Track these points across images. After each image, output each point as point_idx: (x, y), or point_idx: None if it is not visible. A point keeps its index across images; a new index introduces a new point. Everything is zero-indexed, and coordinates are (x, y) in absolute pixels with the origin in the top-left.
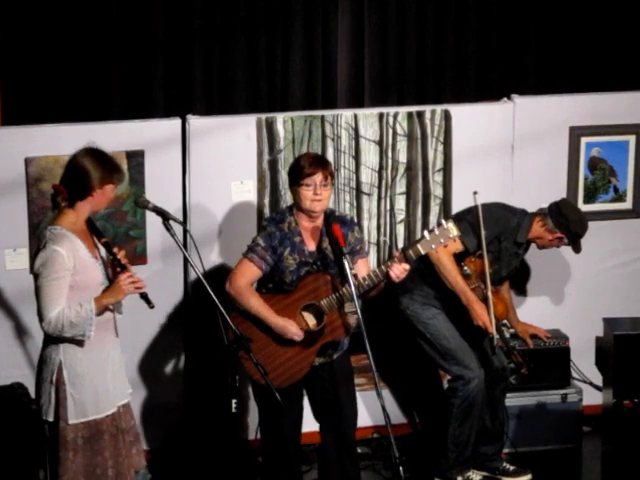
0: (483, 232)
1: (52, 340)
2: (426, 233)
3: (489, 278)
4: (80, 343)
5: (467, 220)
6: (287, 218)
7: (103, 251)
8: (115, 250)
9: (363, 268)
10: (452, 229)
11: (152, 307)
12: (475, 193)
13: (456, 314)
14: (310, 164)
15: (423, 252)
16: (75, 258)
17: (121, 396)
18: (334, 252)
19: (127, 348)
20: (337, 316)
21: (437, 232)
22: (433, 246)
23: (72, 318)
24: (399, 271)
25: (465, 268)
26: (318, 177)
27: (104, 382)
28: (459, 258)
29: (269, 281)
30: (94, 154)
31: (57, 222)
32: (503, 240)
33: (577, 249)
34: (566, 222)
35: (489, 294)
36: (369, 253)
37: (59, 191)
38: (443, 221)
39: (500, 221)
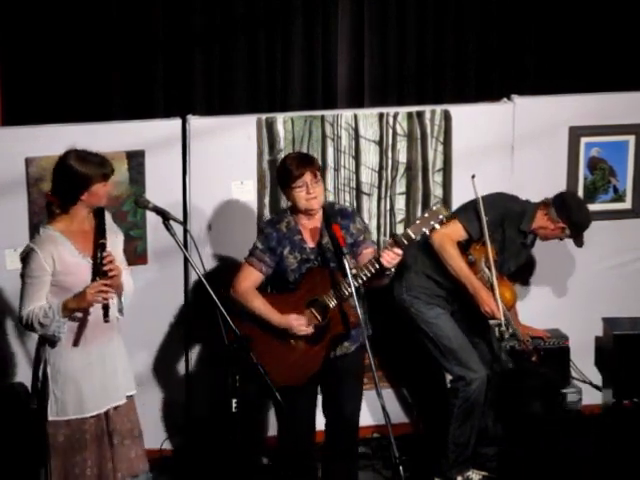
0: (485, 218)
1: (40, 338)
2: (417, 218)
3: (494, 265)
4: (55, 343)
5: (470, 208)
6: (285, 218)
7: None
8: (105, 254)
9: (369, 257)
10: (441, 210)
11: (106, 321)
12: (473, 177)
13: (460, 312)
14: (297, 166)
15: (414, 236)
16: (56, 260)
17: (114, 398)
18: (334, 246)
19: (127, 348)
20: (342, 308)
21: (427, 215)
22: (424, 229)
23: (40, 318)
24: (390, 257)
25: (470, 256)
26: (307, 176)
27: (90, 383)
28: (465, 247)
29: (275, 282)
30: (75, 157)
31: (51, 222)
32: (507, 228)
33: (579, 242)
34: (568, 213)
35: (494, 280)
36: None
37: (52, 201)
38: (432, 204)
39: (502, 207)
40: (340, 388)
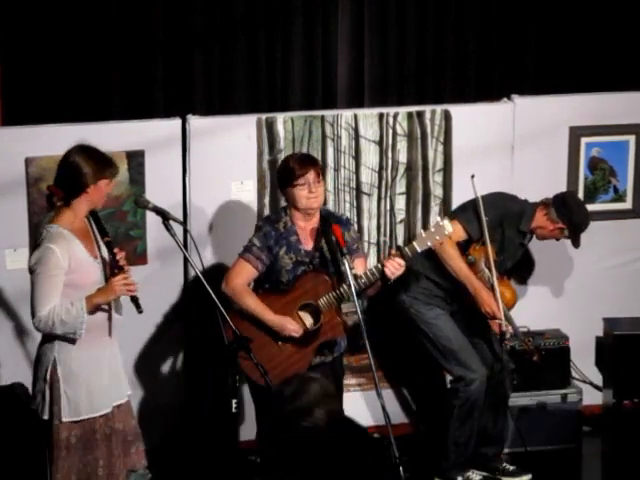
0: (484, 218)
1: (47, 338)
2: (421, 230)
3: (494, 265)
4: (74, 341)
5: (469, 208)
6: (282, 218)
7: (105, 250)
8: (116, 251)
9: (360, 267)
10: (447, 226)
11: (140, 312)
12: (472, 177)
13: (460, 313)
14: (300, 164)
15: (419, 249)
16: (70, 257)
17: (117, 396)
18: (331, 251)
19: (127, 348)
20: (334, 315)
21: (432, 229)
22: (429, 243)
23: (62, 316)
24: (394, 267)
25: (470, 257)
26: (310, 175)
27: (99, 381)
28: (464, 247)
29: (266, 281)
30: (85, 151)
31: (54, 221)
32: (506, 228)
33: (576, 243)
34: (569, 214)
35: (495, 280)
36: (369, 253)
37: (54, 192)
38: (438, 218)
39: (501, 207)
40: None
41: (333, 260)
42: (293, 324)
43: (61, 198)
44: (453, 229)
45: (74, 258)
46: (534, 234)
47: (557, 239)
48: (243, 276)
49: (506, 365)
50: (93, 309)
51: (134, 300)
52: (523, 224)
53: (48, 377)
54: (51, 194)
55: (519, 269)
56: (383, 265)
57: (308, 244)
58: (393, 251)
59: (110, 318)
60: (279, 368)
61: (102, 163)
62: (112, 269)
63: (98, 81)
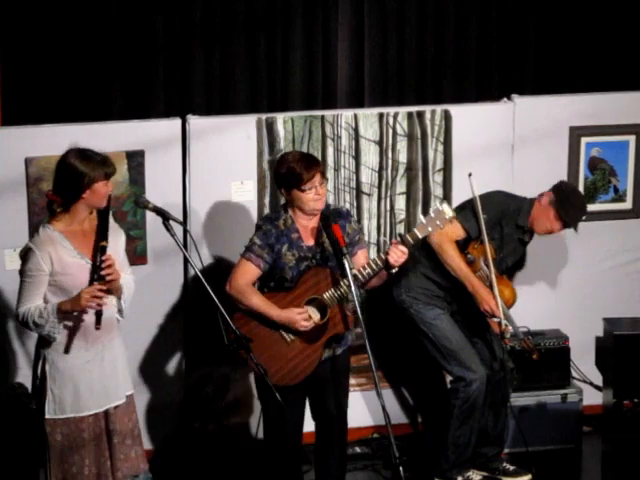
0: (482, 216)
1: (39, 335)
2: (422, 217)
3: (492, 263)
4: (64, 340)
5: (468, 207)
6: (282, 216)
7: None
8: (105, 257)
9: (362, 259)
10: (447, 211)
11: (97, 328)
12: (470, 175)
13: (460, 313)
14: (306, 168)
15: (420, 236)
16: (54, 260)
17: (113, 397)
18: (333, 249)
19: (127, 348)
20: (340, 309)
21: (433, 215)
22: (430, 229)
23: (35, 318)
24: (397, 255)
25: (469, 255)
26: (317, 178)
27: (88, 381)
28: (463, 246)
29: (270, 279)
30: (77, 155)
31: (51, 221)
32: (505, 225)
33: (570, 222)
34: (564, 197)
35: (493, 278)
36: (369, 253)
37: (53, 199)
38: (437, 203)
39: (499, 205)
40: (328, 390)
41: (335, 254)
42: (301, 315)
43: (60, 205)
44: (452, 227)
45: (59, 261)
46: (533, 229)
47: (557, 230)
48: (246, 276)
49: (505, 365)
50: (63, 315)
51: (97, 314)
52: (521, 219)
53: (39, 374)
54: (51, 201)
55: (519, 268)
56: (386, 253)
57: (309, 240)
58: (394, 240)
59: (111, 319)
60: (290, 365)
61: (95, 165)
62: (93, 277)
63: (98, 81)
